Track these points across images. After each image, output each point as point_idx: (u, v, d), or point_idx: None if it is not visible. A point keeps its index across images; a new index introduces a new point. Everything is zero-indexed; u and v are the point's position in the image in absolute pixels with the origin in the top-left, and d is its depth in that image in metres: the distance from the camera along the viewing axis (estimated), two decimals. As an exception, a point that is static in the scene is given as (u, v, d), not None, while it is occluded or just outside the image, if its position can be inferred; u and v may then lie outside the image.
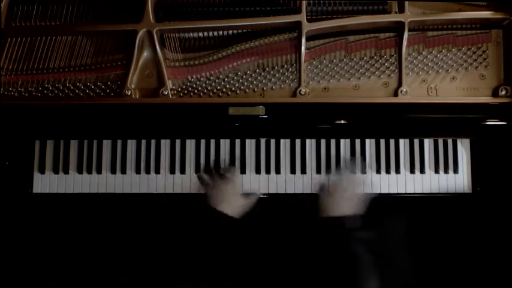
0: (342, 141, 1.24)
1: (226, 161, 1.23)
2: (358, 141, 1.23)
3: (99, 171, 1.22)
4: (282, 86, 1.19)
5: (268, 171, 1.22)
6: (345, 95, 1.19)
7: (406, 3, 1.17)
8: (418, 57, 1.19)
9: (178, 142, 1.23)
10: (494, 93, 1.18)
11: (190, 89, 1.19)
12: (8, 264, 1.28)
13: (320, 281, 1.07)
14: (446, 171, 1.23)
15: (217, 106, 1.16)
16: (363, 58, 1.20)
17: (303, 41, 1.15)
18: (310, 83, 1.19)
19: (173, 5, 1.19)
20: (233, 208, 1.12)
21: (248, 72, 1.19)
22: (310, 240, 1.17)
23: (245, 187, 1.22)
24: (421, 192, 1.22)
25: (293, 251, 1.23)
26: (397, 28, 1.18)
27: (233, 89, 1.19)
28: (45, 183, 1.22)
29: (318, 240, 1.13)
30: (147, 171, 1.22)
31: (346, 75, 1.19)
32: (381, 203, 1.27)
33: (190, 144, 1.23)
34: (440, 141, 1.23)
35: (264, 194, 1.22)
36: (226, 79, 1.19)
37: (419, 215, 1.25)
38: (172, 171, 1.22)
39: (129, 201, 1.24)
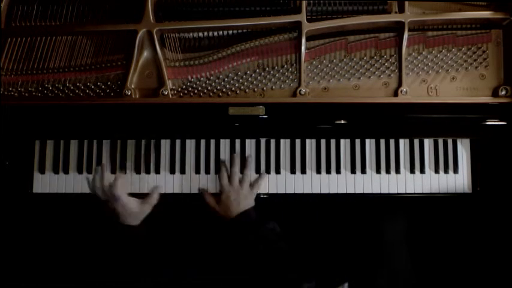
0: (342, 141, 1.24)
1: (227, 161, 1.23)
2: (358, 141, 1.24)
3: (99, 171, 1.22)
4: (282, 86, 1.19)
5: (268, 171, 1.22)
6: (345, 95, 1.19)
7: (406, 3, 1.17)
8: (418, 57, 1.19)
9: (178, 142, 1.23)
10: (494, 93, 1.18)
11: (190, 89, 1.19)
12: (8, 264, 1.28)
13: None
14: (446, 171, 1.23)
15: (217, 106, 1.16)
16: (363, 58, 1.20)
17: (303, 41, 1.15)
18: (310, 83, 1.19)
19: (173, 5, 1.19)
20: (135, 217, 1.16)
21: (248, 72, 1.19)
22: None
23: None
24: (421, 192, 1.22)
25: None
26: (397, 28, 1.18)
27: (233, 89, 1.19)
28: (45, 183, 1.22)
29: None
30: (147, 171, 1.22)
31: (346, 75, 1.19)
32: (381, 203, 1.28)
33: (190, 144, 1.23)
34: (440, 141, 1.23)
35: (264, 194, 1.22)
36: (226, 79, 1.19)
37: (419, 215, 1.25)
38: (172, 171, 1.22)
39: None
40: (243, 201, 1.17)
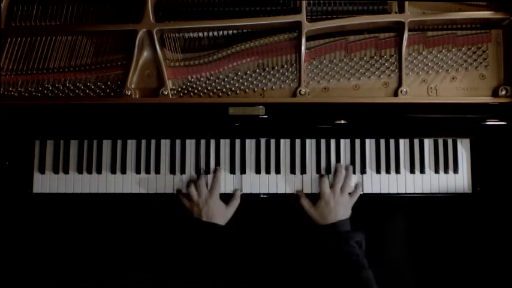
0: (342, 141, 1.24)
1: (227, 161, 1.23)
2: (358, 141, 1.24)
3: (99, 171, 1.22)
4: (282, 86, 1.19)
5: (268, 171, 1.22)
6: (345, 95, 1.18)
7: (406, 3, 1.17)
8: (418, 57, 1.19)
9: (178, 142, 1.23)
10: (494, 93, 1.18)
11: (190, 89, 1.19)
12: (8, 264, 1.28)
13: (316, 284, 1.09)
14: (446, 171, 1.23)
15: (217, 106, 1.16)
16: (363, 58, 1.20)
17: (303, 41, 1.15)
18: (310, 83, 1.19)
19: (173, 5, 1.19)
20: (223, 218, 1.16)
21: (248, 72, 1.19)
22: (306, 243, 1.18)
23: (245, 187, 1.22)
24: (421, 192, 1.22)
25: (291, 252, 1.24)
26: (397, 28, 1.18)
27: (233, 89, 1.19)
28: (45, 183, 1.22)
29: (316, 243, 1.15)
30: (147, 171, 1.22)
31: (346, 75, 1.19)
32: (381, 203, 1.28)
33: (190, 144, 1.23)
34: (440, 141, 1.23)
35: (264, 194, 1.22)
36: (226, 79, 1.19)
37: (419, 215, 1.25)
38: (172, 171, 1.22)
39: (129, 201, 1.24)
40: (341, 209, 1.16)
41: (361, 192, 1.21)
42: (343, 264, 1.08)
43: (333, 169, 1.22)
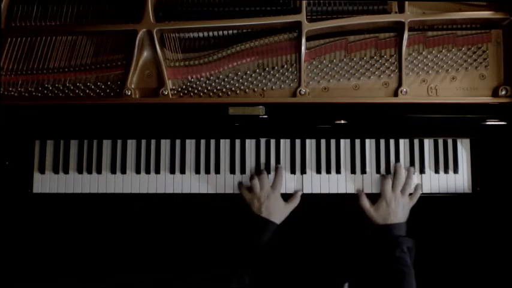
0: (342, 141, 1.24)
1: (227, 161, 1.23)
2: (358, 141, 1.24)
3: (99, 171, 1.22)
4: (282, 86, 1.19)
5: (268, 172, 1.22)
6: (345, 95, 1.18)
7: (406, 3, 1.17)
8: (418, 57, 1.19)
9: (178, 142, 1.23)
10: (494, 93, 1.18)
11: (190, 89, 1.19)
12: (8, 264, 1.28)
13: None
14: (446, 171, 1.23)
15: (217, 106, 1.16)
16: (363, 58, 1.20)
17: (303, 41, 1.15)
18: (310, 83, 1.19)
19: (173, 5, 1.19)
20: (281, 215, 1.16)
21: (248, 72, 1.19)
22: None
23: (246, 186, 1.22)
24: (421, 192, 1.22)
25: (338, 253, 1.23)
26: (397, 28, 1.18)
27: (233, 89, 1.19)
28: (45, 183, 1.22)
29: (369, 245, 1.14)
30: (147, 171, 1.22)
31: (346, 75, 1.19)
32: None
33: (190, 144, 1.23)
34: (440, 141, 1.23)
35: None
36: (226, 79, 1.19)
37: (419, 215, 1.25)
38: (172, 171, 1.22)
39: (129, 201, 1.25)
40: (400, 211, 1.15)
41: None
42: (390, 267, 1.08)
43: (333, 169, 1.22)
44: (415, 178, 1.22)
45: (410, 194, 1.19)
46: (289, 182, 1.22)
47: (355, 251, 1.24)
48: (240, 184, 1.21)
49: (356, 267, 1.19)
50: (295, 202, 1.19)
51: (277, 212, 1.15)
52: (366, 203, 1.18)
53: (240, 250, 1.10)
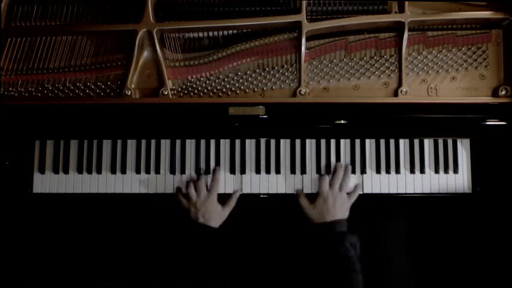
0: (342, 141, 1.24)
1: (227, 161, 1.23)
2: (358, 141, 1.24)
3: (99, 171, 1.22)
4: (282, 86, 1.19)
5: (268, 171, 1.22)
6: (345, 95, 1.18)
7: (406, 3, 1.17)
8: (418, 57, 1.19)
9: (178, 142, 1.23)
10: (494, 93, 1.18)
11: (190, 89, 1.19)
12: (8, 264, 1.28)
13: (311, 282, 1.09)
14: (446, 171, 1.23)
15: (217, 106, 1.16)
16: (363, 58, 1.20)
17: (303, 41, 1.15)
18: (310, 83, 1.19)
19: (173, 5, 1.19)
20: (218, 219, 1.16)
21: (248, 72, 1.19)
22: (304, 243, 1.18)
23: (245, 187, 1.23)
24: (421, 192, 1.22)
25: (289, 251, 1.24)
26: (397, 28, 1.18)
27: (233, 89, 1.19)
28: (45, 183, 1.22)
29: (311, 243, 1.15)
30: (147, 171, 1.22)
31: (346, 75, 1.19)
32: (381, 203, 1.28)
33: (190, 144, 1.23)
34: (440, 141, 1.23)
35: (264, 194, 1.22)
36: (226, 79, 1.19)
37: (419, 215, 1.25)
38: (172, 171, 1.22)
39: (129, 201, 1.24)
40: (339, 208, 1.16)
41: (361, 192, 1.21)
42: (335, 265, 1.09)
43: (332, 169, 1.22)
44: (415, 179, 1.22)
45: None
46: (289, 182, 1.22)
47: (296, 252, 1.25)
48: (178, 190, 1.21)
49: (301, 267, 1.18)
50: (232, 204, 1.19)
51: (215, 217, 1.16)
52: (304, 201, 1.18)
53: (183, 257, 1.12)
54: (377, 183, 1.22)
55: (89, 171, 1.22)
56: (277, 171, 1.22)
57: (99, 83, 1.19)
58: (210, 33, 1.19)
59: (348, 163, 1.22)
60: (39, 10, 1.19)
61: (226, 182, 1.23)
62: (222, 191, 1.21)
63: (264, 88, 1.19)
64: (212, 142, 1.23)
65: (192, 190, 1.17)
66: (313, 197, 1.19)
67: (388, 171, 1.22)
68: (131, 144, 1.23)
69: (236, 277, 1.15)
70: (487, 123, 1.17)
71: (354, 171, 1.23)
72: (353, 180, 1.22)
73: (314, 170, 1.23)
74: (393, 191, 1.22)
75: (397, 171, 1.22)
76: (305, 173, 1.22)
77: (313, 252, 1.14)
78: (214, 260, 1.13)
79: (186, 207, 1.17)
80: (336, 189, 1.18)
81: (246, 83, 1.19)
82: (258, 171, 1.22)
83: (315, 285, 1.10)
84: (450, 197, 1.23)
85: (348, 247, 1.10)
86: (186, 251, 1.14)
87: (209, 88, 1.19)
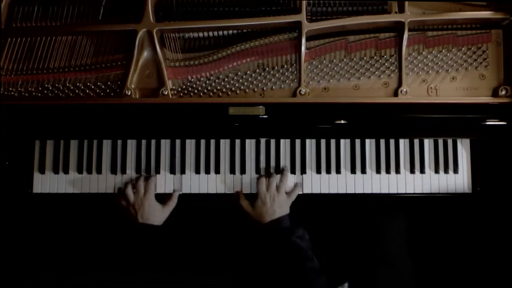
0: (342, 141, 1.24)
1: (227, 161, 1.23)
2: (358, 141, 1.24)
3: (99, 171, 1.22)
4: (282, 86, 1.19)
5: (268, 171, 1.22)
6: (345, 95, 1.18)
7: (406, 3, 1.17)
8: (418, 57, 1.19)
9: (178, 142, 1.23)
10: (494, 93, 1.18)
11: (190, 89, 1.19)
12: (8, 263, 1.28)
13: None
14: (446, 171, 1.23)
15: (217, 106, 1.16)
16: (363, 58, 1.20)
17: (303, 41, 1.15)
18: (310, 83, 1.19)
19: (173, 4, 1.19)
20: (159, 218, 1.17)
21: (248, 72, 1.19)
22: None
23: (245, 187, 1.23)
24: (421, 192, 1.22)
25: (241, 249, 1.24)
26: (397, 28, 1.18)
27: (233, 89, 1.19)
28: (45, 183, 1.22)
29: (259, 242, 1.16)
30: (147, 171, 1.22)
31: (346, 75, 1.19)
32: (381, 203, 1.28)
33: (190, 144, 1.24)
34: (440, 141, 1.23)
35: None
36: (226, 79, 1.19)
37: (419, 215, 1.25)
38: (172, 171, 1.22)
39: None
40: (278, 208, 1.16)
41: (361, 192, 1.21)
42: (286, 258, 1.10)
43: (333, 169, 1.22)
44: (415, 179, 1.22)
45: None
46: (289, 182, 1.22)
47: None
48: (119, 192, 1.20)
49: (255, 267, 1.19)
50: (172, 203, 1.20)
51: (154, 215, 1.16)
52: (244, 203, 1.19)
53: (129, 256, 1.13)
54: (377, 183, 1.22)
55: (89, 171, 1.22)
56: (277, 172, 1.22)
57: (99, 83, 1.19)
58: (210, 33, 1.19)
59: (285, 165, 1.23)
60: (39, 10, 1.19)
61: (226, 182, 1.23)
62: (222, 191, 1.21)
63: (264, 88, 1.19)
64: (212, 142, 1.24)
65: (129, 191, 1.17)
66: (314, 198, 1.19)
67: (388, 171, 1.22)
68: (131, 144, 1.23)
69: (185, 276, 1.16)
70: (487, 123, 1.16)
71: (354, 171, 1.23)
72: (291, 179, 1.22)
73: (314, 170, 1.23)
74: (393, 191, 1.22)
75: (397, 171, 1.22)
76: (305, 173, 1.22)
77: (263, 249, 1.15)
78: (158, 259, 1.13)
79: (125, 208, 1.17)
80: (273, 190, 1.18)
81: (246, 83, 1.19)
82: (257, 171, 1.22)
83: (273, 281, 1.10)
84: (450, 197, 1.23)
85: (295, 240, 1.11)
86: (129, 251, 1.14)
87: (209, 88, 1.19)
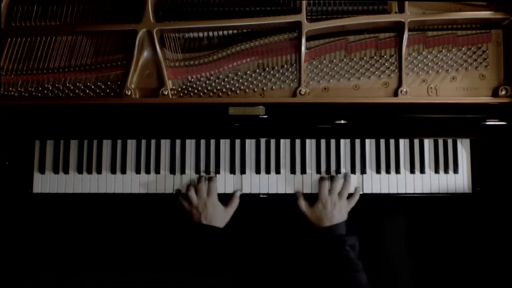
0: (342, 141, 1.24)
1: (227, 161, 1.23)
2: (358, 141, 1.24)
3: (99, 171, 1.22)
4: (282, 86, 1.19)
5: (268, 171, 1.22)
6: (345, 95, 1.18)
7: (406, 3, 1.16)
8: (418, 57, 1.19)
9: (178, 142, 1.23)
10: (494, 93, 1.18)
11: (190, 89, 1.19)
12: (8, 263, 1.28)
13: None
14: (446, 171, 1.23)
15: (217, 106, 1.16)
16: (363, 58, 1.20)
17: (303, 41, 1.15)
18: (310, 83, 1.19)
19: (173, 5, 1.19)
20: (222, 220, 1.17)
21: (248, 72, 1.19)
22: (305, 243, 1.19)
23: (245, 187, 1.23)
24: (421, 192, 1.22)
25: (289, 253, 1.24)
26: (397, 28, 1.18)
27: (233, 89, 1.19)
28: (45, 183, 1.22)
29: (312, 245, 1.15)
30: (147, 171, 1.22)
31: (346, 75, 1.19)
32: (381, 203, 1.28)
33: (190, 144, 1.24)
34: (440, 141, 1.23)
35: (264, 194, 1.22)
36: (226, 79, 1.19)
37: (419, 215, 1.25)
38: (172, 171, 1.22)
39: (129, 201, 1.24)
40: (338, 213, 1.16)
41: (361, 192, 1.21)
42: (337, 267, 1.09)
43: (333, 169, 1.22)
44: (415, 179, 1.22)
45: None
46: (289, 182, 1.22)
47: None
48: (179, 193, 1.21)
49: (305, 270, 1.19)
50: (234, 203, 1.20)
51: (218, 218, 1.16)
52: (303, 204, 1.19)
53: (188, 257, 1.13)
54: (377, 183, 1.22)
55: (89, 171, 1.22)
56: (277, 171, 1.22)
57: (99, 83, 1.19)
58: (210, 33, 1.19)
59: (348, 171, 1.22)
60: (39, 10, 1.19)
61: (226, 182, 1.23)
62: (222, 191, 1.21)
63: (264, 88, 1.19)
64: (212, 142, 1.23)
65: (192, 193, 1.17)
66: (313, 198, 1.19)
67: (388, 171, 1.22)
68: (131, 144, 1.23)
69: (239, 277, 1.15)
70: (487, 123, 1.16)
71: (354, 171, 1.23)
72: (353, 180, 1.22)
73: (314, 170, 1.23)
74: (393, 191, 1.22)
75: (397, 171, 1.22)
76: (305, 173, 1.22)
77: (314, 254, 1.14)
78: (218, 261, 1.13)
79: (188, 210, 1.17)
80: (335, 196, 1.18)
81: (246, 83, 1.19)
82: (257, 171, 1.22)
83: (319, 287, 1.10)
84: (450, 197, 1.23)
85: (348, 249, 1.10)
86: (190, 252, 1.14)
87: (209, 88, 1.19)
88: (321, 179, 1.20)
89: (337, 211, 1.16)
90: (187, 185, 1.21)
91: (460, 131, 1.21)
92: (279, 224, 1.30)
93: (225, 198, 1.20)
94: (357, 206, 1.20)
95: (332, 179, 1.20)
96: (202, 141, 1.23)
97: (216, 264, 1.13)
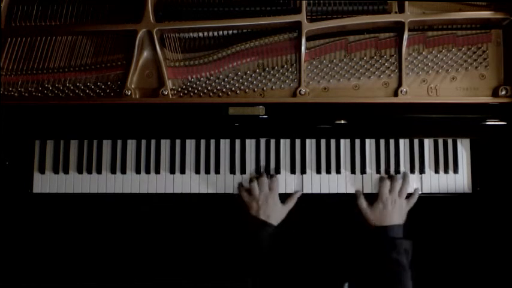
0: (342, 141, 1.24)
1: (227, 161, 1.23)
2: (358, 141, 1.24)
3: (99, 171, 1.22)
4: (282, 86, 1.19)
5: (268, 171, 1.22)
6: (345, 95, 1.18)
7: (406, 3, 1.17)
8: (418, 57, 1.19)
9: (178, 142, 1.23)
10: (494, 93, 1.18)
11: (190, 89, 1.19)
12: (8, 263, 1.28)
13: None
14: (446, 171, 1.23)
15: (217, 106, 1.16)
16: (363, 58, 1.20)
17: (303, 41, 1.15)
18: (310, 83, 1.19)
19: (173, 5, 1.19)
20: (278, 217, 1.17)
21: (248, 72, 1.19)
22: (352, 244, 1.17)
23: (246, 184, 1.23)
24: (421, 192, 1.22)
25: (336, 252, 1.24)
26: (397, 28, 1.18)
27: (233, 89, 1.19)
28: (45, 183, 1.22)
29: (364, 245, 1.15)
30: (147, 171, 1.22)
31: (346, 75, 1.19)
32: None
33: (190, 144, 1.24)
34: (440, 141, 1.23)
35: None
36: (226, 79, 1.19)
37: (419, 215, 1.25)
38: (172, 171, 1.22)
39: (129, 201, 1.25)
40: (397, 213, 1.15)
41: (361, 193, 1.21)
42: (386, 269, 1.08)
43: (333, 169, 1.22)
44: (415, 180, 1.22)
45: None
46: (289, 182, 1.22)
47: (353, 252, 1.25)
48: (240, 186, 1.21)
49: (354, 268, 1.19)
50: (292, 203, 1.19)
51: (275, 214, 1.16)
52: (363, 203, 1.18)
53: (242, 252, 1.11)
54: (377, 183, 1.22)
55: (89, 171, 1.22)
56: (277, 171, 1.22)
57: (99, 83, 1.19)
58: (210, 33, 1.19)
59: (407, 170, 1.22)
60: (39, 10, 1.19)
61: (226, 182, 1.23)
62: (222, 191, 1.21)
63: (264, 88, 1.19)
64: (212, 142, 1.24)
65: (255, 185, 1.17)
66: (314, 198, 1.19)
67: (388, 171, 1.22)
68: (131, 144, 1.23)
69: (286, 275, 1.15)
70: (487, 123, 1.17)
71: (354, 172, 1.23)
72: (412, 184, 1.21)
73: (314, 170, 1.23)
74: (393, 191, 1.22)
75: (397, 171, 1.22)
76: (305, 173, 1.22)
77: (366, 253, 1.14)
78: (266, 257, 1.12)
79: (247, 202, 1.17)
80: (396, 194, 1.17)
81: (246, 83, 1.19)
82: (258, 171, 1.22)
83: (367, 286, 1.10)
84: (450, 197, 1.23)
85: (402, 253, 1.09)
86: (240, 246, 1.13)
87: (209, 88, 1.19)
88: (381, 179, 1.20)
89: (397, 210, 1.15)
90: (250, 178, 1.21)
91: (460, 131, 1.21)
92: (328, 225, 1.30)
93: (226, 198, 1.20)
94: (357, 206, 1.20)
95: (391, 178, 1.20)
96: (202, 141, 1.23)
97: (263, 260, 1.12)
